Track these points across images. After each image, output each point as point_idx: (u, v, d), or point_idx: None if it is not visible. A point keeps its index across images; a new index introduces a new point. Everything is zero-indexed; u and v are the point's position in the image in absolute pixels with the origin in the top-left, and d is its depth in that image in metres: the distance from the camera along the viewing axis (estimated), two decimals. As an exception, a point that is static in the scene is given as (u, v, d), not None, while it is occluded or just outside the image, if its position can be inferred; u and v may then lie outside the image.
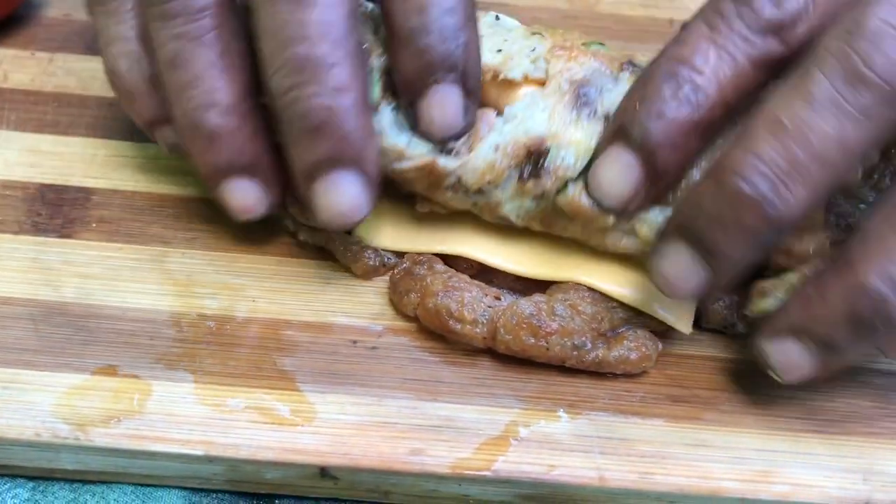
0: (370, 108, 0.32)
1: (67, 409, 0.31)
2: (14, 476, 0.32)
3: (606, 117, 0.33)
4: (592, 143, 0.33)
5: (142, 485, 0.32)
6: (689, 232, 0.30)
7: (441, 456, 0.31)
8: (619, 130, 0.31)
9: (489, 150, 0.33)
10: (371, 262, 0.36)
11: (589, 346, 0.33)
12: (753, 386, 0.34)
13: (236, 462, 0.31)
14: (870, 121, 0.27)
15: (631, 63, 0.34)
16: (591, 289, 0.34)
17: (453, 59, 0.31)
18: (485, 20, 0.36)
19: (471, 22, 0.32)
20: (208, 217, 0.38)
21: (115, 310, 0.34)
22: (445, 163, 0.33)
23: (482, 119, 0.34)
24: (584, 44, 0.35)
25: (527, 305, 0.33)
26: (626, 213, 0.32)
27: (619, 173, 0.31)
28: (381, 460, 0.31)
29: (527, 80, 0.34)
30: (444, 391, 0.33)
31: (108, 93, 0.43)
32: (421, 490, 0.32)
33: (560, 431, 0.32)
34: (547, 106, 0.33)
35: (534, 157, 0.33)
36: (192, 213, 0.38)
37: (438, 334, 0.34)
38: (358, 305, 0.36)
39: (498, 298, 0.34)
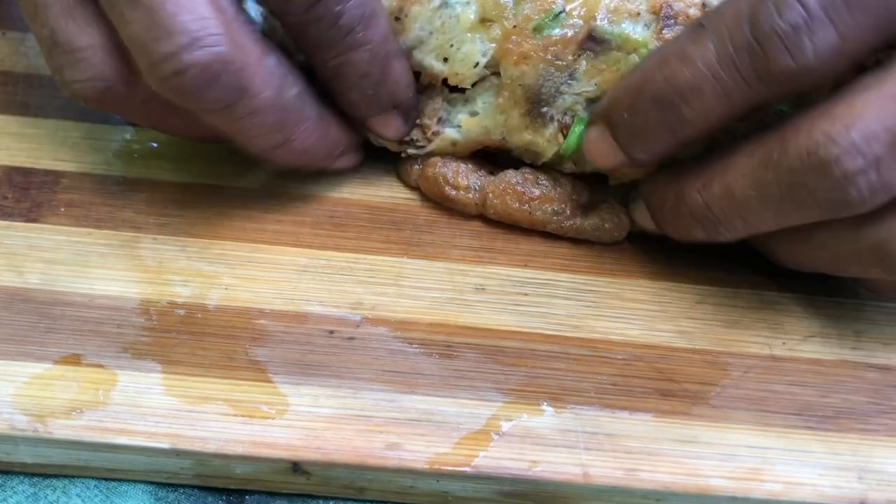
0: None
1: (27, 400, 0.30)
2: (-29, 469, 0.31)
3: (561, 123, 0.35)
4: (549, 145, 0.36)
5: (106, 479, 0.31)
6: (652, 213, 0.35)
7: (418, 451, 0.30)
8: (609, 122, 0.33)
9: (448, 144, 0.37)
10: None
11: (567, 213, 0.36)
12: (744, 381, 0.33)
13: (204, 456, 0.29)
14: (804, 218, 0.31)
15: (591, 38, 0.34)
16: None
17: (382, 103, 0.35)
18: (430, 5, 0.35)
19: (388, 60, 0.34)
20: (181, 202, 0.37)
21: (81, 297, 0.33)
22: (413, 151, 0.38)
23: (436, 110, 0.37)
24: (535, 28, 0.34)
25: (514, 174, 0.37)
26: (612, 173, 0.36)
27: (606, 153, 0.34)
28: (355, 455, 0.29)
29: (481, 80, 0.36)
30: (423, 384, 0.32)
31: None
32: (398, 486, 0.30)
33: (544, 426, 0.31)
34: (503, 111, 0.35)
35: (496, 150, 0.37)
36: (165, 198, 0.37)
37: (418, 324, 0.33)
38: (335, 294, 0.34)
39: (492, 173, 0.37)
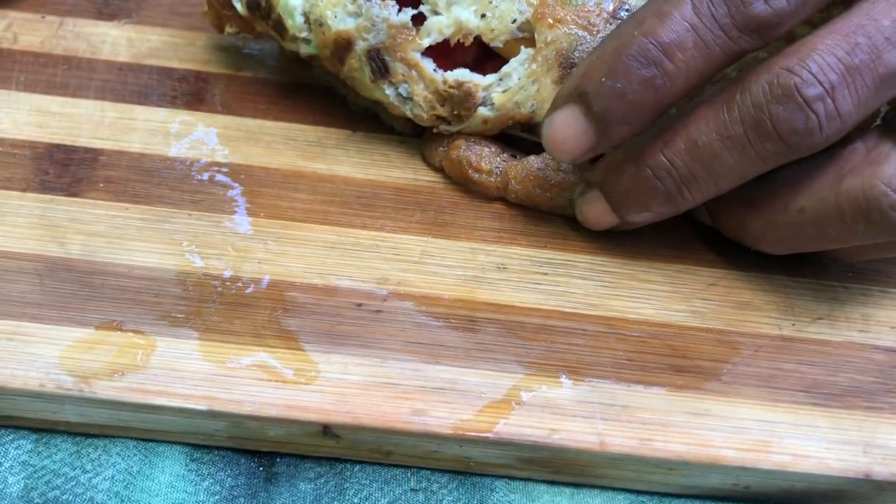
0: None
1: (71, 362, 0.31)
2: (17, 427, 0.32)
3: None
4: None
5: (144, 440, 0.32)
6: (608, 193, 0.35)
7: (443, 417, 0.31)
8: (581, 96, 0.33)
9: (479, 122, 0.38)
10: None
11: None
12: (755, 359, 0.34)
13: (239, 418, 0.31)
14: (765, 162, 0.32)
15: (624, 10, 0.36)
16: None
17: None
18: None
19: None
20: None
21: (120, 267, 0.35)
22: (445, 128, 0.39)
23: (471, 82, 0.37)
24: None
25: (536, 160, 0.38)
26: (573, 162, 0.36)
27: (574, 136, 0.33)
28: (383, 419, 0.31)
29: (513, 41, 0.37)
30: (447, 355, 0.33)
31: (116, 57, 0.44)
32: (423, 451, 0.32)
33: (562, 397, 0.32)
34: (536, 78, 0.37)
35: (525, 126, 0.38)
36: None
37: (442, 300, 0.35)
38: (363, 270, 0.36)
39: (514, 157, 0.38)
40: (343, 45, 0.38)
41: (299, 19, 0.38)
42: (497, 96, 0.37)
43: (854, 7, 0.31)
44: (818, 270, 0.38)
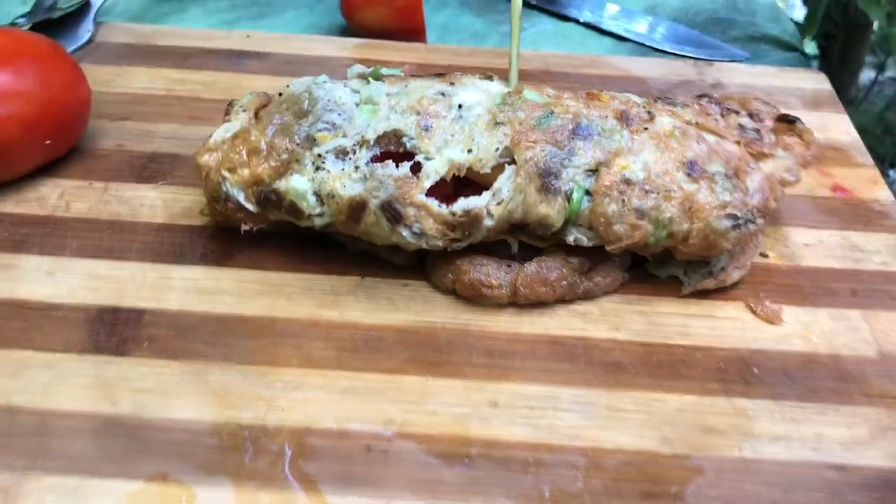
0: None
1: (126, 513, 0.37)
2: (81, 569, 0.38)
3: (566, 193, 0.45)
4: (558, 216, 0.45)
5: (188, 576, 0.38)
6: None
7: (442, 550, 0.36)
8: None
9: (483, 233, 0.45)
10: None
11: (578, 281, 0.46)
12: (718, 481, 0.39)
13: (268, 557, 0.36)
14: None
15: (579, 126, 0.45)
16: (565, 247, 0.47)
17: None
18: (449, 115, 0.45)
19: None
20: (241, 333, 0.44)
21: (164, 422, 0.40)
22: (457, 245, 0.46)
23: (475, 207, 0.44)
24: (536, 123, 0.45)
25: (532, 266, 0.46)
26: None
27: None
28: (390, 555, 0.36)
29: (496, 166, 0.45)
30: (444, 491, 0.38)
31: (154, 219, 0.50)
32: (425, 579, 0.37)
33: (545, 526, 0.37)
34: (521, 189, 0.44)
35: (517, 226, 0.46)
36: (228, 329, 0.44)
37: (441, 438, 0.40)
38: (371, 413, 0.41)
39: (509, 265, 0.46)
40: (358, 207, 0.44)
41: (311, 199, 0.44)
42: (494, 208, 0.44)
43: None
44: (776, 392, 0.43)
